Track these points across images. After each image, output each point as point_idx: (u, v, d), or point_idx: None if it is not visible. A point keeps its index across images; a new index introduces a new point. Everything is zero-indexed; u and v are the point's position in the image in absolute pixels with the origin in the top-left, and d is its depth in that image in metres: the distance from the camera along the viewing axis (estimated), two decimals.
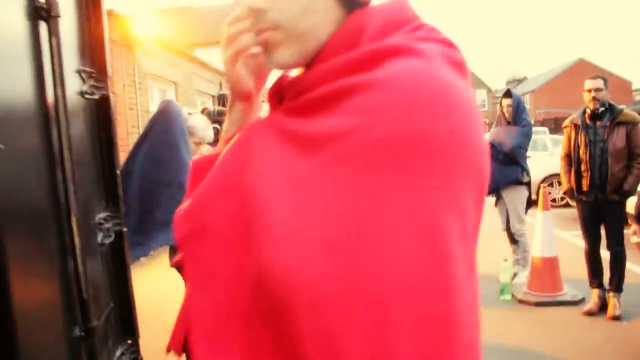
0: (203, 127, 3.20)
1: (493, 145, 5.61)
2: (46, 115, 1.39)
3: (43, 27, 1.41)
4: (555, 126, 37.85)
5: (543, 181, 11.05)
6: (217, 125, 3.54)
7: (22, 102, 1.29)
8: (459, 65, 0.72)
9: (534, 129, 8.11)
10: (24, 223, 1.23)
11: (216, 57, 21.31)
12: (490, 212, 6.16)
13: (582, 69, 52.76)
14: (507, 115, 5.71)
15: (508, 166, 5.58)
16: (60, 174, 1.42)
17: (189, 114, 3.26)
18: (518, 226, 5.70)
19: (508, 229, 5.82)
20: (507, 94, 5.78)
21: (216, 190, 0.76)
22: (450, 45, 0.73)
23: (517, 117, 5.65)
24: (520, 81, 66.08)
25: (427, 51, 0.67)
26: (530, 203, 5.88)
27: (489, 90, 65.02)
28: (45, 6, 1.39)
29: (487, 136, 5.98)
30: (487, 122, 57.46)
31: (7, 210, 1.12)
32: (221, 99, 14.32)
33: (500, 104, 5.80)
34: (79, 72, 1.73)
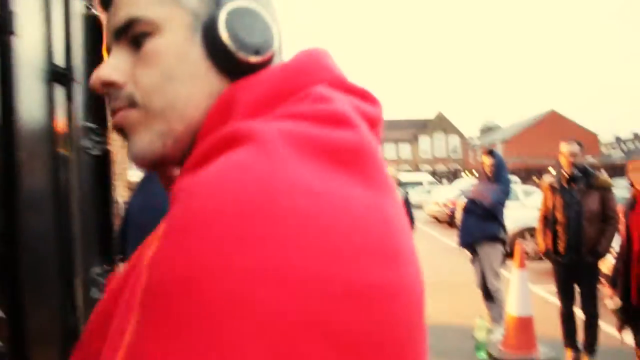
0: None
1: (474, 201, 5.74)
2: (57, 171, 1.42)
3: (60, 90, 1.46)
4: (525, 175, 38.74)
5: (516, 234, 11.22)
6: None
7: (37, 154, 1.33)
8: (371, 122, 0.57)
9: None
10: (33, 275, 1.25)
11: None
12: (465, 265, 6.23)
13: (552, 120, 54.44)
14: (489, 173, 5.84)
15: (485, 221, 5.69)
16: (67, 227, 1.45)
17: None
18: (494, 282, 5.76)
19: (483, 285, 5.88)
20: (490, 153, 5.93)
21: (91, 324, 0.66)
22: (340, 120, 0.51)
23: (497, 174, 5.79)
24: (493, 129, 67.70)
25: (267, 136, 0.47)
26: (505, 257, 5.98)
27: (461, 136, 66.35)
28: (65, 72, 1.44)
29: (469, 193, 6.11)
30: (460, 168, 58.58)
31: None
32: None
33: (482, 162, 5.94)
34: (83, 128, 1.76)
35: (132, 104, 0.61)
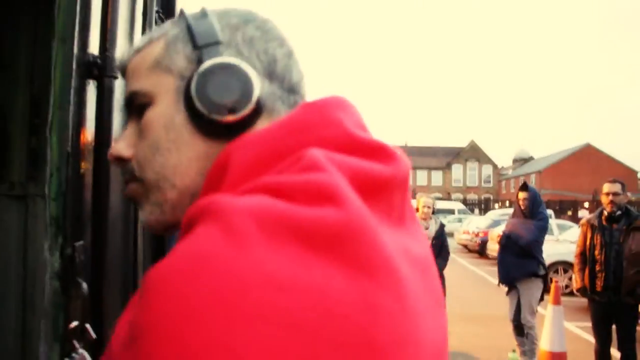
0: None
1: (509, 237, 5.71)
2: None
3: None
4: (560, 208, 38.07)
5: (549, 267, 11.06)
6: None
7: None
8: (378, 185, 0.54)
9: None
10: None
11: None
12: (497, 298, 6.16)
13: (588, 154, 53.52)
14: (523, 207, 5.80)
15: (524, 259, 5.64)
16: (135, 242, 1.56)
17: None
18: (529, 318, 5.70)
19: (516, 320, 5.82)
20: (524, 187, 5.88)
21: None
22: (325, 194, 0.48)
23: (533, 209, 5.74)
24: (526, 160, 66.88)
25: (237, 218, 0.44)
26: (543, 293, 5.91)
27: (494, 166, 65.66)
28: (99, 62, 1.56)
29: (504, 228, 6.08)
30: (492, 198, 57.88)
31: None
32: None
33: (517, 197, 5.89)
34: None
35: (133, 177, 0.63)
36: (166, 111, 0.60)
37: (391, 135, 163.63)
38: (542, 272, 5.70)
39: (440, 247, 5.74)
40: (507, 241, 5.77)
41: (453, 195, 61.03)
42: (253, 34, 0.63)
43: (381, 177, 0.54)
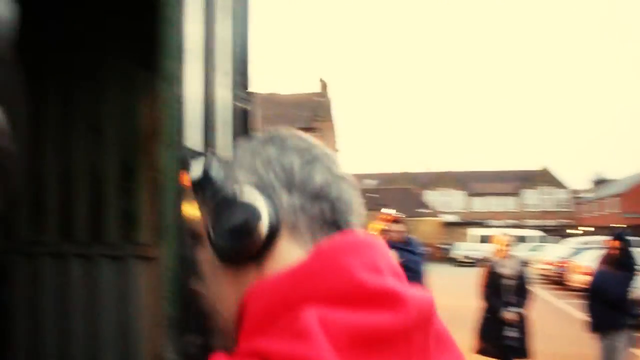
0: None
1: (599, 289, 5.53)
2: None
3: None
4: None
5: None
6: None
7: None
8: (380, 338, 0.55)
9: None
10: None
11: None
12: (584, 334, 5.83)
13: None
14: (612, 257, 5.55)
15: (613, 310, 5.41)
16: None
17: None
18: None
19: None
20: (618, 237, 5.64)
21: None
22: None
23: (625, 261, 5.50)
24: (605, 182, 63.92)
25: None
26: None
27: (570, 190, 63.18)
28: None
29: (592, 277, 5.86)
30: (568, 224, 55.52)
31: None
32: None
33: (610, 245, 5.65)
34: None
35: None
36: (205, 247, 0.64)
37: (462, 162, 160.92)
38: (631, 322, 5.48)
39: (521, 286, 5.57)
40: (597, 289, 5.60)
41: (528, 222, 59.01)
42: (270, 154, 0.65)
43: (385, 329, 0.54)
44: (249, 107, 2.21)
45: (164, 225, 1.40)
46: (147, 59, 2.65)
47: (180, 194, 1.41)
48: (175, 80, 1.39)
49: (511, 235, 5.88)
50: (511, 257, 5.66)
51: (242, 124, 2.19)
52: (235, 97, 2.14)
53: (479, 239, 39.75)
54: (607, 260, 5.63)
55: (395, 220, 5.25)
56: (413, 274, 4.88)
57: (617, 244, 5.54)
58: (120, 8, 2.68)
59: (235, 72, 2.16)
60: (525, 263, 5.83)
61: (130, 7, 2.66)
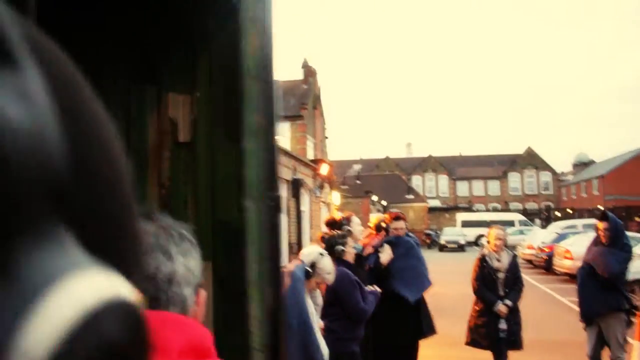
0: (328, 271, 3.44)
1: (590, 266, 5.55)
2: None
3: None
4: (626, 214, 36.52)
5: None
6: (340, 247, 4.05)
7: None
8: None
9: None
10: None
11: (286, 140, 22.03)
12: (568, 319, 5.91)
13: None
14: (604, 239, 5.60)
15: (607, 292, 5.47)
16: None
17: (321, 254, 3.52)
18: (619, 354, 5.52)
19: (595, 357, 5.64)
20: (604, 216, 5.72)
21: None
22: None
23: (617, 239, 5.55)
24: (586, 164, 64.67)
25: None
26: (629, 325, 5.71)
27: (553, 172, 63.87)
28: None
29: (584, 256, 5.89)
30: (552, 206, 56.20)
31: None
32: (295, 184, 14.75)
33: (597, 227, 5.73)
34: None
35: None
36: None
37: (445, 147, 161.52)
38: (625, 305, 5.53)
39: (513, 279, 5.67)
40: (588, 271, 5.61)
41: (511, 205, 59.63)
42: None
43: None
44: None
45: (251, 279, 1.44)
46: (154, 75, 2.64)
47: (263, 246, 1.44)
48: (261, 132, 1.41)
49: (505, 230, 5.95)
50: (504, 250, 5.74)
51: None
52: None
53: (463, 224, 40.19)
54: (597, 241, 5.68)
55: (397, 217, 5.34)
56: (420, 262, 5.09)
57: (605, 224, 5.62)
58: (123, 24, 2.67)
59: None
60: (516, 255, 5.89)
61: (134, 26, 2.64)
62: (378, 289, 4.40)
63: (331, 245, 4.10)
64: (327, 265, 3.47)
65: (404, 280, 4.88)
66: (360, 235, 5.01)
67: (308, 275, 3.40)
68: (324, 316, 3.80)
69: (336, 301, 3.96)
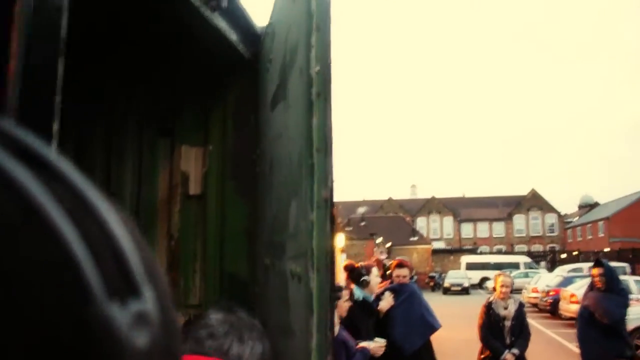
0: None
1: (591, 314, 5.52)
2: None
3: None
4: (633, 256, 36.14)
5: (632, 333, 10.52)
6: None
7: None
8: None
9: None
10: None
11: None
12: None
13: None
14: (599, 284, 5.60)
15: (609, 339, 5.43)
16: None
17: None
18: None
19: None
20: (598, 263, 5.74)
21: None
22: None
23: (613, 284, 5.56)
24: (592, 206, 64.54)
25: None
26: None
27: (558, 214, 63.69)
28: None
29: (584, 300, 5.85)
30: (557, 249, 55.84)
31: None
32: None
33: (592, 274, 5.74)
34: None
35: None
36: None
37: (449, 188, 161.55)
38: (628, 353, 5.48)
39: (520, 327, 5.63)
40: (589, 318, 5.56)
41: (516, 247, 59.26)
42: None
43: None
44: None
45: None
46: (168, 127, 2.71)
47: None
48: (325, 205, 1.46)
49: (511, 277, 5.94)
50: (510, 297, 5.72)
51: None
52: None
53: (468, 266, 39.90)
54: (595, 287, 5.66)
55: (400, 264, 5.31)
56: (425, 309, 5.02)
57: (600, 270, 5.62)
58: (139, 78, 2.75)
59: None
60: (523, 304, 5.85)
61: (145, 73, 2.73)
62: (382, 341, 4.33)
63: None
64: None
65: (403, 329, 4.81)
66: (376, 287, 4.95)
67: None
68: None
69: None
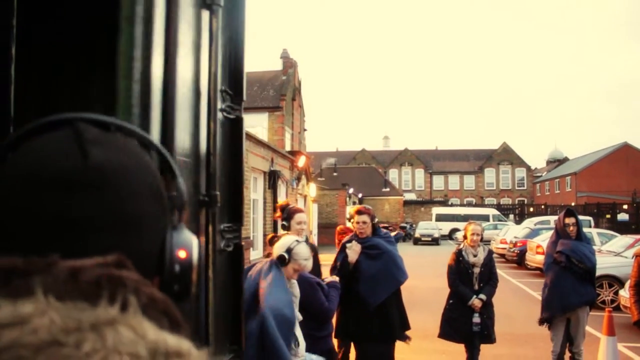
0: (304, 257, 3.40)
1: (569, 259, 5.60)
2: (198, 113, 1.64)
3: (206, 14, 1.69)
4: (598, 211, 37.17)
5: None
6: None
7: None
8: None
9: None
10: None
11: (263, 131, 21.91)
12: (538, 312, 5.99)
13: (626, 153, 52.28)
14: (571, 234, 5.71)
15: (584, 285, 5.56)
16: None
17: (297, 241, 3.48)
18: (581, 345, 5.64)
19: (561, 352, 5.74)
20: (570, 213, 5.84)
21: None
22: None
23: (583, 235, 5.70)
24: (560, 161, 65.71)
25: None
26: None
27: (528, 168, 64.71)
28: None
29: (550, 249, 5.96)
30: (525, 202, 56.99)
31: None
32: (272, 175, 14.67)
33: (563, 222, 5.81)
34: (221, 91, 1.98)
35: None
36: None
37: (421, 140, 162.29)
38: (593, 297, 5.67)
39: (488, 274, 5.74)
40: (566, 265, 5.62)
41: (486, 200, 60.34)
42: None
43: None
44: (240, 116, 2.18)
45: None
46: None
47: None
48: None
49: (482, 226, 6.02)
50: (480, 245, 5.80)
51: (232, 135, 2.16)
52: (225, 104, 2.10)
53: (438, 217, 40.56)
54: (563, 234, 5.77)
55: (359, 211, 4.98)
56: (393, 262, 4.86)
57: (573, 219, 5.73)
58: None
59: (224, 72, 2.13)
60: (492, 251, 5.95)
61: None
62: (336, 279, 4.31)
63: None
64: (303, 251, 3.40)
65: (368, 283, 4.70)
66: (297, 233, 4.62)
67: (283, 261, 3.36)
68: None
69: (300, 305, 3.85)
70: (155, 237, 0.65)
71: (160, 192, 0.67)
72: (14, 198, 0.60)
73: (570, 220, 5.74)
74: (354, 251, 4.75)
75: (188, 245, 0.68)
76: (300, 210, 4.69)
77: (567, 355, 5.81)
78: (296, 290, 3.56)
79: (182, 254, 0.67)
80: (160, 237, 0.66)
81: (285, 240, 3.49)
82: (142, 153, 0.67)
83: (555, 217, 24.81)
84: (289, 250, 3.36)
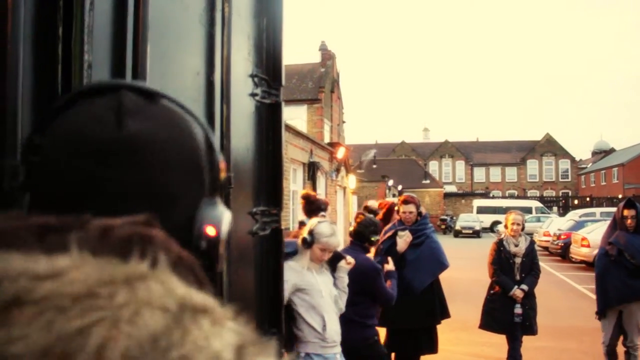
0: (326, 234, 3.40)
1: (619, 255, 5.41)
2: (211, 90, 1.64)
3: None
4: None
5: None
6: (376, 237, 4.26)
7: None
8: None
9: None
10: None
11: (303, 124, 21.97)
12: (582, 305, 5.76)
13: None
14: (629, 226, 5.44)
15: (636, 280, 5.35)
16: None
17: (318, 222, 3.50)
18: (636, 340, 5.46)
19: (612, 345, 5.57)
20: (630, 204, 5.58)
21: None
22: None
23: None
24: (607, 152, 63.81)
25: None
26: None
27: (572, 160, 63.07)
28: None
29: (604, 241, 5.71)
30: (570, 194, 55.57)
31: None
32: (312, 167, 14.70)
33: (622, 213, 5.56)
34: (252, 76, 1.98)
35: None
36: None
37: (462, 132, 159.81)
38: None
39: (530, 264, 5.63)
40: (617, 258, 5.41)
41: (529, 192, 59.07)
42: None
43: None
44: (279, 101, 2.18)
45: None
46: None
47: None
48: None
49: (523, 215, 5.89)
50: (521, 235, 5.69)
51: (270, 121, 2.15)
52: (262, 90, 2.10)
53: (479, 210, 39.96)
54: (622, 226, 5.51)
55: (406, 201, 5.16)
56: (436, 249, 4.96)
57: (633, 212, 5.45)
58: None
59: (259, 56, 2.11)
60: (534, 241, 5.81)
61: None
62: (392, 267, 4.36)
63: (367, 231, 4.13)
64: (324, 229, 3.39)
65: (413, 267, 4.76)
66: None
67: (307, 243, 3.38)
68: (350, 304, 3.74)
69: (362, 290, 3.92)
70: (186, 210, 0.66)
71: (200, 165, 0.67)
72: (52, 162, 0.62)
73: (629, 213, 5.47)
74: (404, 241, 4.83)
75: (217, 221, 0.67)
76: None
77: (621, 349, 5.61)
78: (345, 282, 3.60)
79: (210, 231, 0.66)
80: (192, 211, 0.66)
81: (308, 225, 3.54)
82: (186, 125, 0.68)
83: (601, 209, 24.15)
84: (310, 232, 3.39)
